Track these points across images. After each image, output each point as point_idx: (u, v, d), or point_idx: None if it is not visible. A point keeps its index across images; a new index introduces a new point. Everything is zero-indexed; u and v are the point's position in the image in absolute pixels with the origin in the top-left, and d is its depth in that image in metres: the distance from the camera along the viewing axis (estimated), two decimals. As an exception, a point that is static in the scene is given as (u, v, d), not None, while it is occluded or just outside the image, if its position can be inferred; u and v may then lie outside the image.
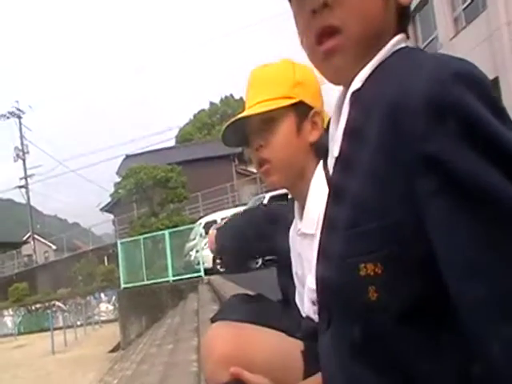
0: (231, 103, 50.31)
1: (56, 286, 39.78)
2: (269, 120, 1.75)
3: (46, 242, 58.55)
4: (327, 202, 1.10)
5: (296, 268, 1.87)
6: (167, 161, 33.69)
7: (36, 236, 54.06)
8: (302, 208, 1.77)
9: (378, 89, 0.97)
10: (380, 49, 1.04)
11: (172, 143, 51.63)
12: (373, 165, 0.92)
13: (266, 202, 20.92)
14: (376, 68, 1.03)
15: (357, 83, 1.03)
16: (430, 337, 0.88)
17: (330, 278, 1.03)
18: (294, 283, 1.90)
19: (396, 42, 1.06)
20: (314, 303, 1.55)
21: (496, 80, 15.74)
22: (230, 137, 1.86)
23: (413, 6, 21.35)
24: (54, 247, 57.39)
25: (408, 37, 1.11)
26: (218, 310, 2.45)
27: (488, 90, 0.87)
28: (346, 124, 1.05)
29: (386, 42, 1.05)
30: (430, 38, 21.17)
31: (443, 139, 0.82)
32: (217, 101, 54.27)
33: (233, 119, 1.79)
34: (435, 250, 0.84)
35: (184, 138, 50.94)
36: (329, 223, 1.08)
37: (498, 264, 0.78)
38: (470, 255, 0.80)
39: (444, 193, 0.82)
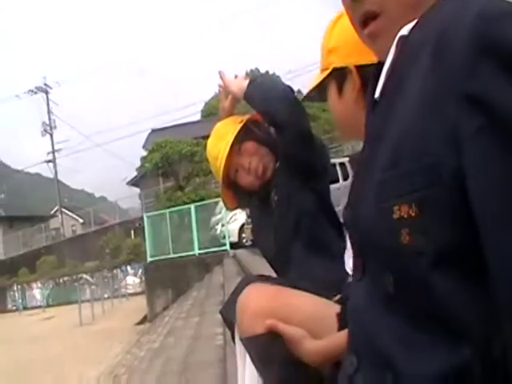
0: (256, 75, 50.13)
1: (83, 259, 40.26)
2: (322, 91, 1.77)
3: (74, 216, 59.24)
4: (364, 145, 1.08)
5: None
6: (193, 135, 33.71)
7: (63, 210, 54.74)
8: None
9: (424, 28, 0.94)
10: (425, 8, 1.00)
11: (197, 117, 51.69)
12: (415, 104, 0.89)
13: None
14: (422, 15, 0.99)
15: (404, 31, 0.99)
16: (463, 284, 0.86)
17: (361, 221, 1.01)
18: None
19: None
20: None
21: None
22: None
23: None
24: (81, 221, 57.98)
25: None
26: (229, 296, 2.38)
27: None
28: (390, 65, 1.02)
29: (433, 2, 0.99)
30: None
31: (489, 76, 0.79)
32: (242, 74, 54.25)
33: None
34: (471, 195, 0.81)
35: (209, 112, 50.86)
36: (364, 165, 1.05)
37: None
38: (509, 200, 0.77)
39: (488, 132, 0.78)
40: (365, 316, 1.03)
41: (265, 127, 2.60)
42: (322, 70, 1.76)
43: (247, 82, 2.50)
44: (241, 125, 2.56)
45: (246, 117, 2.63)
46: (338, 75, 1.71)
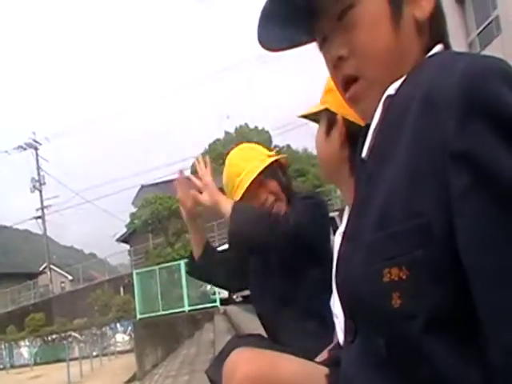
0: (246, 133, 50.36)
1: (72, 316, 39.70)
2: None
3: (63, 273, 58.72)
4: (352, 206, 1.08)
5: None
6: (183, 191, 33.62)
7: (52, 266, 54.04)
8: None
9: (412, 87, 0.95)
10: (407, 67, 1.04)
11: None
12: (404, 164, 0.90)
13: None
14: (409, 74, 1.02)
15: (391, 90, 1.02)
16: (456, 347, 0.84)
17: (351, 285, 1.00)
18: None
19: (434, 52, 1.06)
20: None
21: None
22: None
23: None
24: (70, 278, 57.44)
25: (447, 46, 1.11)
26: (216, 356, 2.36)
27: None
28: (377, 125, 1.03)
29: (413, 59, 1.04)
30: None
31: (476, 135, 0.79)
32: (232, 130, 54.40)
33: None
34: (463, 254, 0.81)
35: (199, 168, 50.81)
36: (353, 228, 1.05)
37: None
38: (500, 259, 0.77)
39: (478, 191, 0.78)
40: (356, 381, 1.01)
41: (288, 177, 2.67)
42: (320, 103, 1.79)
43: (224, 200, 2.46)
44: (271, 160, 2.60)
45: (276, 155, 2.68)
46: (330, 116, 1.73)
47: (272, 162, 2.59)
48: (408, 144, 0.89)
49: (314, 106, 1.83)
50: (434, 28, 1.10)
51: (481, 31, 18.52)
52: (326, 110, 1.78)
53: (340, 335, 1.67)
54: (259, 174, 2.53)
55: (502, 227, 0.77)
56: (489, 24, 17.96)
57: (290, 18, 1.10)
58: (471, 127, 0.80)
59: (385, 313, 0.89)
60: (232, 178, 2.63)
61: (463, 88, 0.82)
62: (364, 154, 1.06)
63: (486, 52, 17.42)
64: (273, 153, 2.71)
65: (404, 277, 0.86)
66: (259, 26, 1.13)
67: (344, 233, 1.11)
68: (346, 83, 1.10)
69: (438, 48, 1.07)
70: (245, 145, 2.79)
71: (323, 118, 1.77)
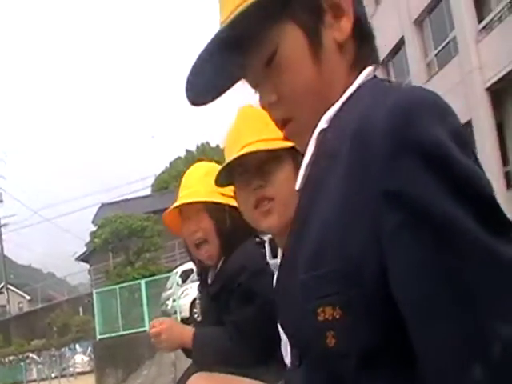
0: (207, 151, 50.28)
1: (30, 337, 39.05)
2: (270, 159, 1.70)
3: (20, 293, 57.75)
4: (288, 237, 1.07)
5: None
6: (143, 209, 33.48)
7: (10, 286, 53.13)
8: None
9: (344, 122, 0.95)
10: (336, 94, 1.02)
11: (148, 191, 51.47)
12: (335, 203, 0.89)
13: (178, 276, 20.86)
14: (341, 106, 1.01)
15: (323, 124, 1.01)
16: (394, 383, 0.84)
17: (290, 320, 1.01)
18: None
19: (364, 75, 1.03)
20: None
21: (469, 123, 16.01)
22: (222, 178, 1.79)
23: (385, 53, 21.73)
24: (28, 297, 56.62)
25: (377, 64, 1.08)
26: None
27: (451, 120, 0.84)
28: (310, 160, 1.03)
29: (342, 84, 1.03)
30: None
31: (407, 173, 0.79)
32: (193, 148, 54.35)
33: (235, 156, 1.72)
34: (395, 290, 0.81)
35: (160, 186, 50.68)
36: (288, 264, 1.05)
37: (459, 305, 0.76)
38: (433, 295, 0.77)
39: (408, 228, 0.78)
40: None
41: (236, 227, 2.34)
42: (276, 139, 1.68)
43: (181, 336, 2.43)
44: (220, 200, 2.41)
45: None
46: (297, 155, 1.63)
47: (221, 203, 2.40)
48: (340, 181, 0.89)
49: (270, 142, 1.71)
50: (359, 44, 1.06)
51: (439, 52, 18.86)
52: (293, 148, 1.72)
53: (288, 357, 1.64)
54: (201, 202, 2.43)
55: (433, 264, 0.77)
56: (446, 45, 18.30)
57: (220, 74, 1.10)
58: (402, 165, 0.79)
59: (322, 351, 0.89)
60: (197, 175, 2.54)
61: (393, 124, 0.81)
62: (297, 185, 1.06)
63: (444, 72, 17.75)
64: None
65: (337, 316, 0.85)
66: (187, 84, 1.12)
67: (280, 265, 1.12)
68: (281, 125, 1.11)
69: (368, 72, 1.04)
70: (213, 167, 2.49)
71: (288, 155, 1.68)
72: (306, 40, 1.02)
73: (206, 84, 1.12)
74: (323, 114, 1.01)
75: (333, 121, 1.00)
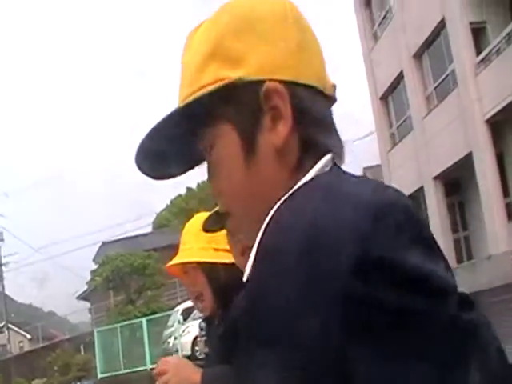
0: (208, 188, 50.48)
1: (31, 376, 38.76)
2: None
3: (21, 332, 57.47)
4: None
5: None
6: (144, 247, 33.56)
7: (10, 325, 52.89)
8: None
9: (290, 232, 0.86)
10: (276, 196, 0.94)
11: (149, 229, 51.59)
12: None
13: (179, 314, 20.93)
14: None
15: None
16: None
17: None
18: None
19: (315, 171, 0.96)
20: None
21: (469, 155, 16.08)
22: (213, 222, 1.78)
23: (385, 88, 21.95)
24: (28, 336, 56.34)
25: (324, 145, 1.00)
26: None
27: (412, 230, 0.77)
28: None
29: (281, 186, 0.96)
30: (403, 118, 21.78)
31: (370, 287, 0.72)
32: (194, 186, 54.57)
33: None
34: None
35: (161, 223, 50.92)
36: None
37: None
38: None
39: None
40: None
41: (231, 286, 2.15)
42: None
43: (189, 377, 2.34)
44: (216, 260, 2.39)
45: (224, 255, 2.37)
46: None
47: (216, 263, 2.39)
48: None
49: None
50: (301, 143, 0.98)
51: (438, 85, 19.05)
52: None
53: None
54: (196, 262, 2.44)
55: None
56: (445, 78, 18.49)
57: (168, 157, 1.10)
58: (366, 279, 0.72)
59: None
60: None
61: (351, 237, 0.74)
62: (245, 277, 0.97)
63: (444, 104, 17.89)
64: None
65: None
66: (137, 159, 1.09)
67: None
68: (222, 217, 1.11)
69: (317, 169, 0.97)
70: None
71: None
72: (239, 142, 1.00)
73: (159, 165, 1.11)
74: (260, 213, 0.93)
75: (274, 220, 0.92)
